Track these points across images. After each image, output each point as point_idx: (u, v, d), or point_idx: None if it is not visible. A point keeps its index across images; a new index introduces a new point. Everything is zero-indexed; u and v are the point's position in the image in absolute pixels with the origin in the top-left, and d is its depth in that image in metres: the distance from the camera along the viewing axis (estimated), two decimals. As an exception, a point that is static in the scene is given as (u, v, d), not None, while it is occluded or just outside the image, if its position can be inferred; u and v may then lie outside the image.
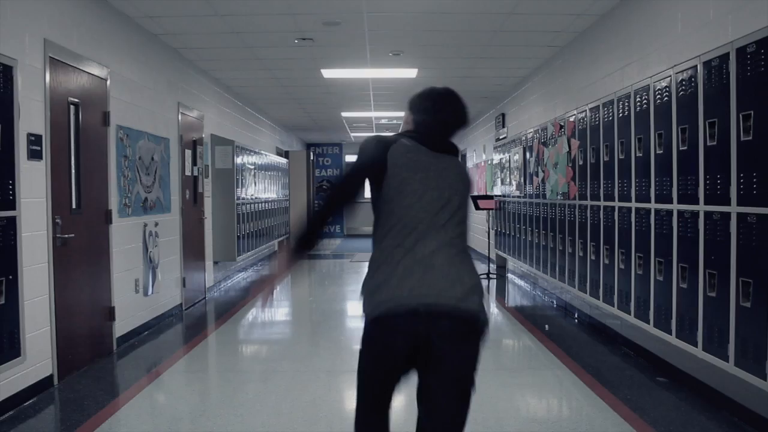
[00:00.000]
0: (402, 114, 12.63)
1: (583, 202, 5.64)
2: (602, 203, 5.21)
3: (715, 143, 3.54)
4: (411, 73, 8.31)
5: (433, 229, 2.03)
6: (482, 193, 11.65)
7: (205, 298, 7.89)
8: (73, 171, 4.64)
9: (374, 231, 2.13)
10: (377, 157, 2.05)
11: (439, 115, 2.14)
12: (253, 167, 9.83)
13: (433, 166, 2.08)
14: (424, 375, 2.05)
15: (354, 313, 7.38)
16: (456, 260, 2.03)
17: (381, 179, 2.05)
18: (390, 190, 2.04)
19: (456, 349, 1.98)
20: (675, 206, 3.99)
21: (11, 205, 3.76)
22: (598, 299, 5.29)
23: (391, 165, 2.04)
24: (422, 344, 1.97)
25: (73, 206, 4.63)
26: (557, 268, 6.44)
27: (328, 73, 8.34)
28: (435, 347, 1.96)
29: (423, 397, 2.06)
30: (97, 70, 5.00)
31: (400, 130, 2.29)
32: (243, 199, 9.11)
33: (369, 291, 2.05)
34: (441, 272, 1.98)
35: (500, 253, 9.44)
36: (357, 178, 2.09)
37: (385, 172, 2.04)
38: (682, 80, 3.89)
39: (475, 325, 2.00)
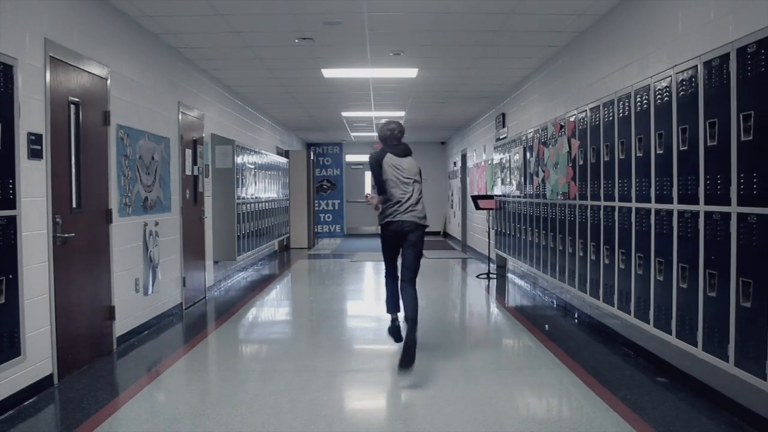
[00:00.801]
0: (401, 113, 12.69)
1: (584, 202, 5.64)
2: (602, 203, 5.21)
3: (715, 143, 3.54)
4: (411, 72, 8.31)
5: (404, 192, 4.77)
6: (482, 192, 11.63)
7: (205, 297, 7.90)
8: (73, 170, 4.64)
9: (384, 194, 4.84)
10: (379, 164, 4.84)
11: (392, 136, 4.95)
12: (253, 167, 9.82)
13: (401, 164, 4.84)
14: (402, 248, 4.84)
15: (354, 313, 7.39)
16: (413, 206, 4.77)
17: (381, 171, 4.83)
18: (386, 175, 4.81)
19: (413, 235, 4.77)
20: (675, 206, 3.99)
21: (11, 204, 3.76)
22: (598, 299, 5.29)
23: (384, 165, 4.83)
24: (402, 236, 4.78)
25: (74, 205, 4.63)
26: (557, 268, 6.44)
27: (328, 73, 8.34)
28: (406, 237, 4.76)
29: (402, 257, 4.84)
30: (97, 70, 5.00)
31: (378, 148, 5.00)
32: (243, 198, 9.10)
33: (382, 217, 4.83)
34: (406, 209, 4.75)
35: (500, 252, 9.44)
36: (378, 173, 4.86)
37: (383, 168, 4.83)
38: (683, 80, 3.88)
39: (419, 227, 4.78)
